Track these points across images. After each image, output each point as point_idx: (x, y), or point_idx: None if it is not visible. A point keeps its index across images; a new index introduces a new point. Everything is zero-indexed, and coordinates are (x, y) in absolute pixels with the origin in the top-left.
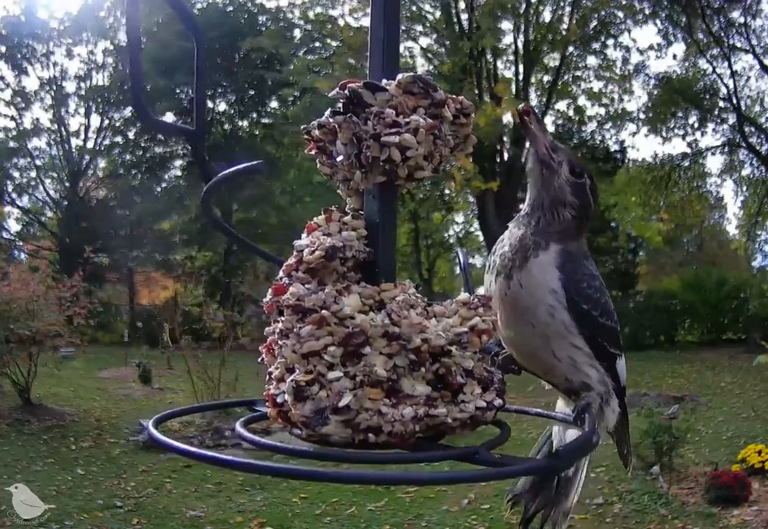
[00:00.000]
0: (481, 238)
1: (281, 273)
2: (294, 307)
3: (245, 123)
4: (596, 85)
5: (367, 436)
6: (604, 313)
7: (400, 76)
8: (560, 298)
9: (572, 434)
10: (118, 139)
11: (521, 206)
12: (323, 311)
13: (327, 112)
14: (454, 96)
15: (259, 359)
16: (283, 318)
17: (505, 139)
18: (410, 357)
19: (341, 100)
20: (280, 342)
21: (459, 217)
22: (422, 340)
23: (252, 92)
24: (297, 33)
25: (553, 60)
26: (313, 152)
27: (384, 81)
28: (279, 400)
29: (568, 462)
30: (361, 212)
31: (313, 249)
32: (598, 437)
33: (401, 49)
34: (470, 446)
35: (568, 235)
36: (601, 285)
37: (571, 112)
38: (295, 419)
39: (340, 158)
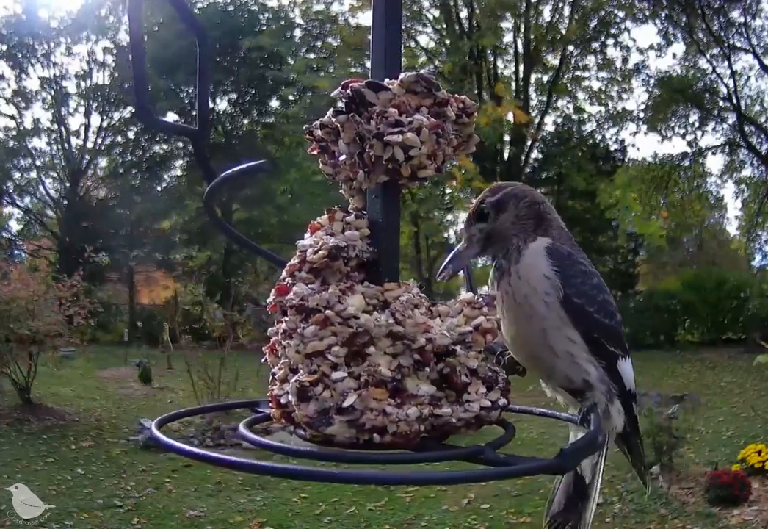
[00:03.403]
0: None
1: (284, 273)
2: (297, 307)
3: (246, 122)
4: (596, 85)
5: (372, 436)
6: (600, 310)
7: (402, 75)
8: (554, 284)
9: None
10: (119, 138)
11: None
12: (327, 311)
13: (329, 112)
14: (456, 95)
15: (263, 360)
16: (286, 318)
17: (506, 138)
18: (414, 357)
19: (344, 100)
20: (283, 342)
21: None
22: (426, 339)
23: (252, 91)
24: (297, 32)
25: (553, 59)
26: (315, 152)
27: (386, 80)
28: (283, 401)
29: (573, 461)
30: (364, 212)
31: (316, 249)
32: (604, 437)
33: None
34: (475, 445)
35: (541, 230)
36: (600, 283)
37: (570, 112)
38: (299, 419)
39: (342, 158)
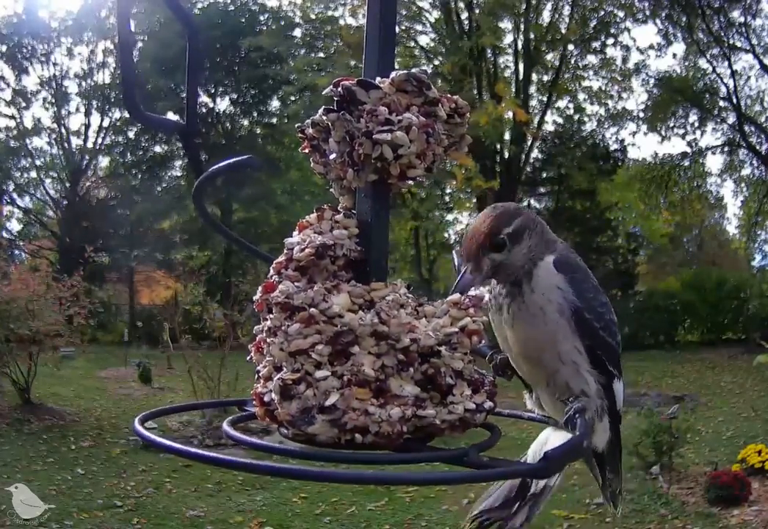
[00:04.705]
0: None
1: (271, 271)
2: (282, 305)
3: (246, 122)
4: (596, 84)
5: (354, 436)
6: (606, 328)
7: (393, 74)
8: (567, 295)
9: (560, 439)
10: (119, 138)
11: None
12: (311, 309)
13: (320, 110)
14: (448, 95)
15: (248, 358)
16: (271, 316)
17: (506, 137)
18: (399, 357)
19: (335, 98)
20: (268, 340)
21: (464, 217)
22: (411, 340)
23: (253, 91)
24: (297, 32)
25: (553, 59)
26: (306, 151)
27: (378, 79)
28: (266, 399)
29: (557, 466)
30: (354, 211)
31: (303, 247)
32: (590, 442)
33: (401, 48)
34: (459, 448)
35: (549, 251)
36: (608, 302)
37: (571, 111)
38: (281, 417)
39: (333, 156)
